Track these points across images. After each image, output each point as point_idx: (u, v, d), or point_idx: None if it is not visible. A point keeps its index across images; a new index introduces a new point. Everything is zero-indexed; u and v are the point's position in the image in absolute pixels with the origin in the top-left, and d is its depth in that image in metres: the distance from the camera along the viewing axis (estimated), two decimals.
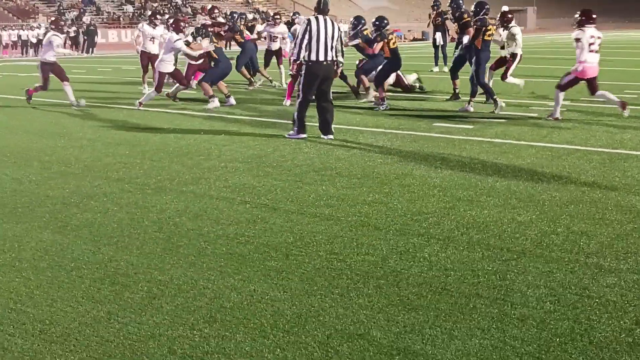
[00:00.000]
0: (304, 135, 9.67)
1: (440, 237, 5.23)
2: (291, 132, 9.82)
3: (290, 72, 12.76)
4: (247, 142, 9.42)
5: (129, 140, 9.68)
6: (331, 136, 9.64)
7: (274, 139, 9.60)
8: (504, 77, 13.56)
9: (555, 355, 3.38)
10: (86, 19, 48.75)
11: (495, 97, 11.92)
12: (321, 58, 9.41)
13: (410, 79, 15.34)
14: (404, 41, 51.89)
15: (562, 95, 10.99)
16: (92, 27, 42.13)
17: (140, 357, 3.41)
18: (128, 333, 3.67)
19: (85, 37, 41.54)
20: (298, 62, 9.57)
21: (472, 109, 12.04)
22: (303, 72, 9.54)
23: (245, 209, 6.10)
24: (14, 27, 42.39)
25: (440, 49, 20.46)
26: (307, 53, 9.40)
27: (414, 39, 53.61)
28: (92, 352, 3.47)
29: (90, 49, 41.09)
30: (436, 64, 20.69)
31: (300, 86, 9.68)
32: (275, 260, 4.76)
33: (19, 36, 41.04)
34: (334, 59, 9.60)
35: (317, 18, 9.42)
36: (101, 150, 8.87)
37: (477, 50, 12.05)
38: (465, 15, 12.98)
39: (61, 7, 52.70)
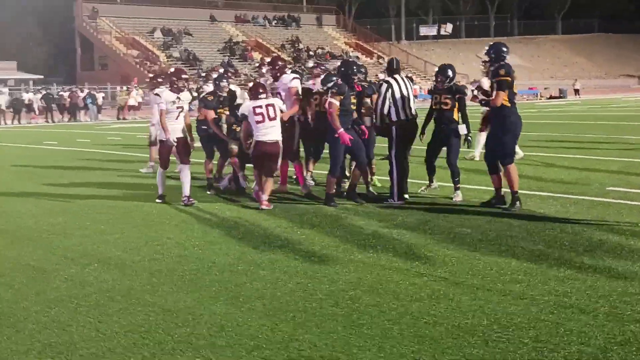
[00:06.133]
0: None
1: None
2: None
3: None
4: (409, 207, 8.95)
5: (285, 203, 9.45)
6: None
7: (440, 205, 9.08)
8: None
9: None
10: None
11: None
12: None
13: None
14: (540, 99, 50.33)
15: None
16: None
17: None
18: None
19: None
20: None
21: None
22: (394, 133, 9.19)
23: (423, 282, 5.60)
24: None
25: None
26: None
27: (551, 97, 51.70)
28: None
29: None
30: None
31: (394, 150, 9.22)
32: (474, 347, 4.21)
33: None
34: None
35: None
36: (260, 215, 8.64)
37: None
38: None
39: (201, 70, 54.95)
